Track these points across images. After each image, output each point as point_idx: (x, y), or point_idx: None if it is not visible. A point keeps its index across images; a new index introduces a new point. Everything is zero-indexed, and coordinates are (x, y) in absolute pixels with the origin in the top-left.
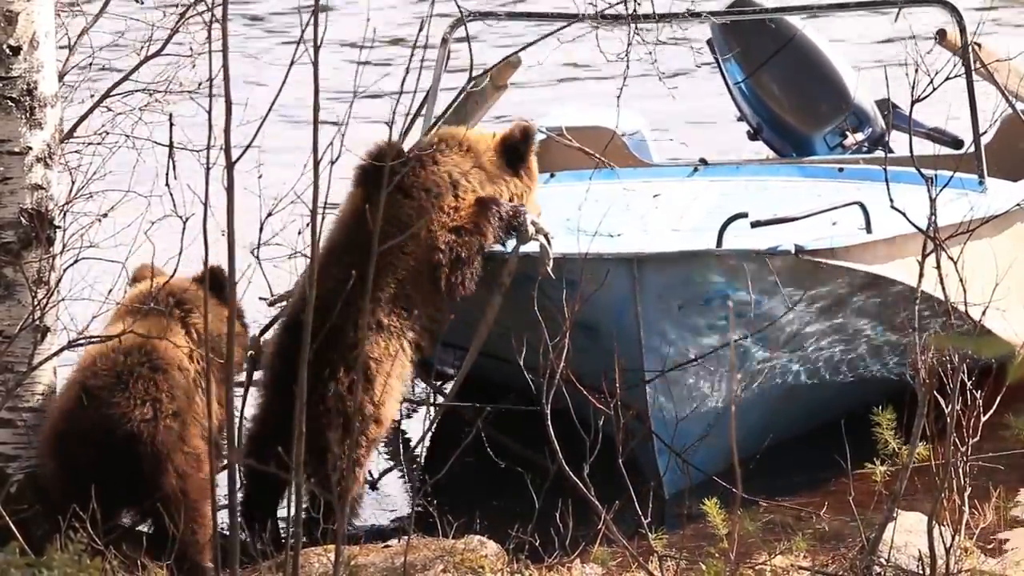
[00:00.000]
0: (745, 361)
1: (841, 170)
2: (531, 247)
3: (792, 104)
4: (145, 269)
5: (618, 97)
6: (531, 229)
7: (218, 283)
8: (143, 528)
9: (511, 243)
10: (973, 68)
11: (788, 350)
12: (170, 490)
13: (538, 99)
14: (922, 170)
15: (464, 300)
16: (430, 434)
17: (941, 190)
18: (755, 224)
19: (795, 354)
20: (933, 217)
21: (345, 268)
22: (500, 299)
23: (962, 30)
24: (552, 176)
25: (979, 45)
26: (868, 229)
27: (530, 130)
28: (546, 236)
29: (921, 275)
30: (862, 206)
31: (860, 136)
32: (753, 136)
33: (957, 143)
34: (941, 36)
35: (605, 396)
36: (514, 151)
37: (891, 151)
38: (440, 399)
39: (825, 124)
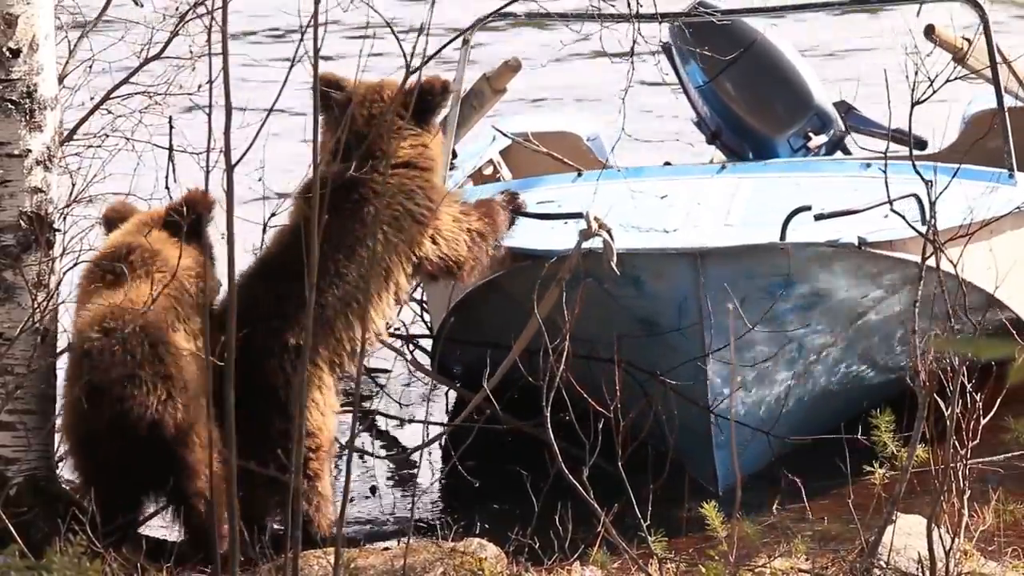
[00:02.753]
0: (802, 354)
1: (868, 165)
2: (594, 243)
3: (754, 107)
4: (120, 209)
5: (623, 99)
6: (594, 224)
7: (196, 225)
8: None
9: (574, 239)
10: (966, 64)
11: (841, 344)
12: (194, 469)
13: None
14: (921, 171)
15: (507, 297)
16: (429, 439)
17: (945, 187)
18: (819, 217)
19: (850, 348)
20: (932, 220)
21: (267, 285)
22: (556, 295)
23: (986, 25)
24: (579, 175)
25: (969, 41)
26: (923, 221)
27: (448, 85)
28: (609, 232)
29: (921, 277)
30: (918, 198)
31: (823, 138)
32: (712, 139)
33: (921, 144)
34: (930, 31)
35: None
36: (426, 104)
37: (849, 152)
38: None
39: (788, 127)
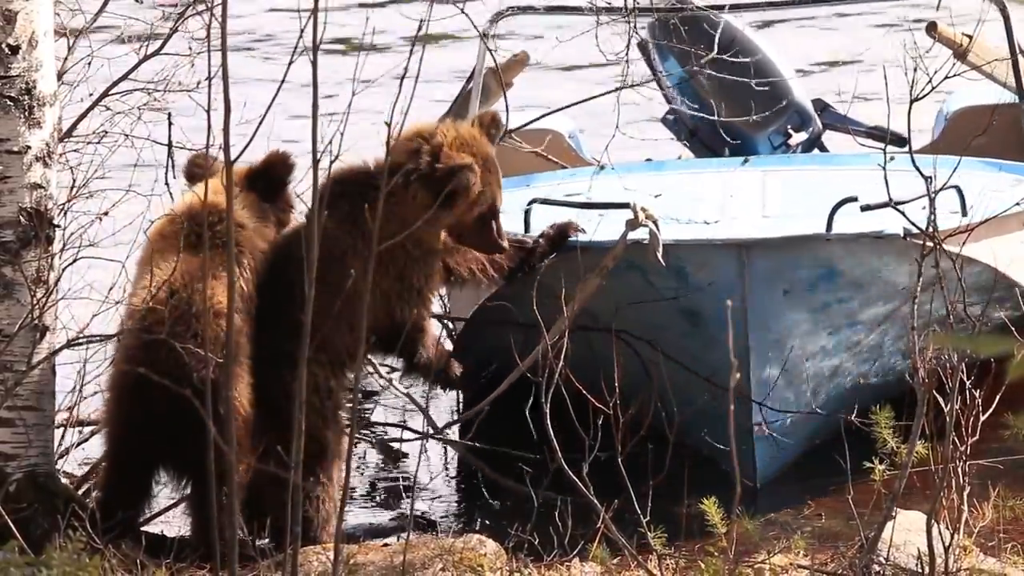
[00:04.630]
0: (841, 345)
1: (892, 159)
2: (640, 233)
3: (734, 105)
4: (202, 163)
5: (618, 97)
6: (641, 215)
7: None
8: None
9: (620, 229)
10: (967, 61)
11: (880, 336)
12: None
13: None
14: (920, 168)
15: (543, 288)
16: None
17: (947, 180)
18: (864, 208)
19: (888, 339)
20: (932, 216)
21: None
22: (598, 282)
23: (1006, 19)
24: (602, 168)
25: (969, 37)
26: (964, 212)
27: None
28: (655, 222)
29: (920, 274)
30: (958, 190)
31: (803, 135)
32: (690, 136)
33: (901, 140)
34: (932, 28)
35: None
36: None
37: (826, 150)
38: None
39: (768, 124)
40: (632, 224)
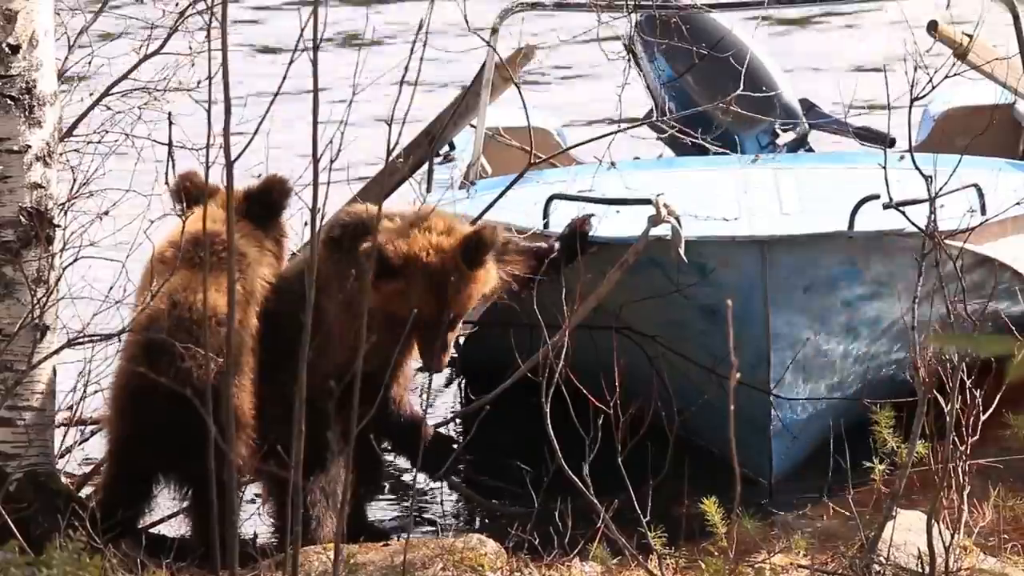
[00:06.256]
0: (861, 342)
1: (902, 158)
2: (662, 229)
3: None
4: (193, 179)
5: (619, 95)
6: (663, 211)
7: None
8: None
9: (643, 225)
10: (966, 60)
11: (899, 331)
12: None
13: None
14: (921, 168)
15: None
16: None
17: (945, 184)
18: (887, 206)
19: (903, 337)
20: (933, 216)
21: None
22: (618, 276)
23: (1015, 17)
24: (613, 165)
25: (970, 37)
26: (983, 211)
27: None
28: (678, 219)
29: (920, 273)
30: (978, 188)
31: (791, 135)
32: (675, 136)
33: (889, 141)
34: (933, 27)
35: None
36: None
37: (811, 150)
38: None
39: (756, 123)
40: (654, 220)
